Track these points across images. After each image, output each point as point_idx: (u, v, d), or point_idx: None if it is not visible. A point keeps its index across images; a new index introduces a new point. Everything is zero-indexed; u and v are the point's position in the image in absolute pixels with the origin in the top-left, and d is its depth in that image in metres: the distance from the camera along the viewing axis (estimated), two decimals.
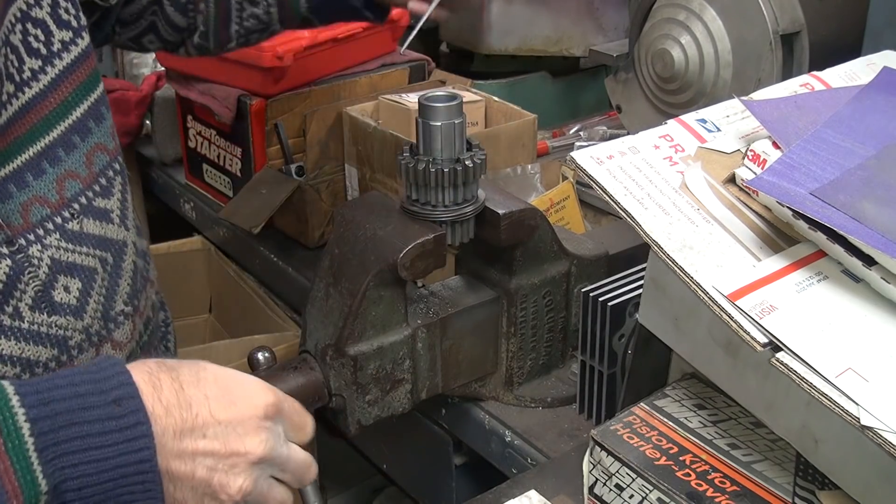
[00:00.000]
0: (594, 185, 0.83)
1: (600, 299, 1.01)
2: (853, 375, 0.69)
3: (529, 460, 1.08)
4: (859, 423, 0.66)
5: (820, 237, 0.77)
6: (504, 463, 1.12)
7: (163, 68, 1.80)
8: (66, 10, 0.87)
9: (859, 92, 0.95)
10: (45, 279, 0.83)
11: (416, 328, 1.04)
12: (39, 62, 0.84)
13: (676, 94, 1.44)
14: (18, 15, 0.83)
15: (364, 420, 1.03)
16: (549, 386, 1.15)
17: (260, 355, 1.04)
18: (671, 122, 0.91)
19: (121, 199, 0.92)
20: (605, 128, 1.78)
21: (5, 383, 0.64)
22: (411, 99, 1.46)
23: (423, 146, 1.00)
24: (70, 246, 0.85)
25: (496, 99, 1.49)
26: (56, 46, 0.85)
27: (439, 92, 1.01)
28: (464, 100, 1.02)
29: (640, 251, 1.07)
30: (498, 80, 1.81)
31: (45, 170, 0.83)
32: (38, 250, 0.81)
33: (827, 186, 0.79)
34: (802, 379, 0.69)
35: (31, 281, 0.82)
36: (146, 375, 0.67)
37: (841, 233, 0.74)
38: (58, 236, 0.83)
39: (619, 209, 0.81)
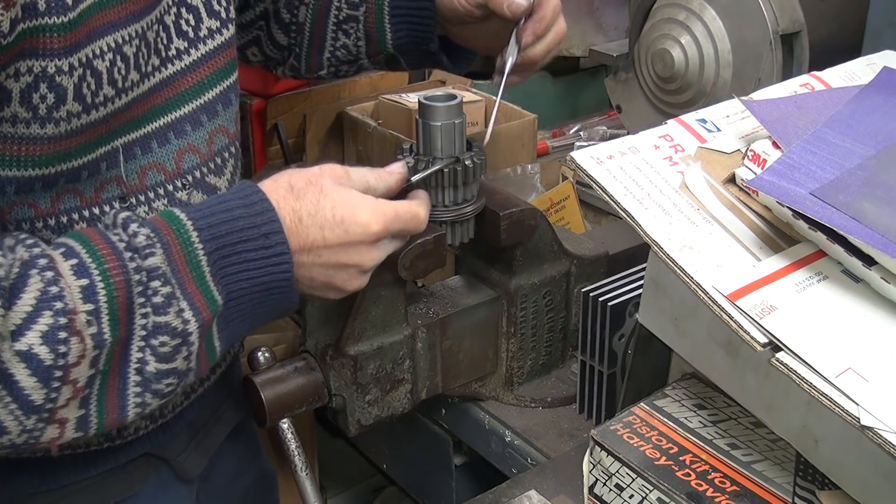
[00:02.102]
0: (594, 185, 0.83)
1: (600, 299, 1.01)
2: (853, 375, 0.69)
3: (529, 460, 1.08)
4: (859, 423, 0.66)
5: (820, 237, 0.77)
6: (504, 463, 1.12)
7: None
8: (219, 2, 0.94)
9: (859, 92, 0.95)
10: None
11: (416, 328, 1.04)
12: (185, 44, 0.90)
13: (676, 94, 1.44)
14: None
15: (364, 420, 1.03)
16: (549, 386, 1.15)
17: (260, 355, 1.04)
18: (671, 122, 0.91)
19: (230, 180, 0.97)
20: (605, 128, 1.79)
21: (184, 218, 0.79)
22: (411, 99, 1.46)
23: (423, 146, 1.00)
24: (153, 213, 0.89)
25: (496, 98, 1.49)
26: (203, 32, 0.92)
27: (439, 92, 1.02)
28: (464, 100, 1.02)
29: (640, 251, 1.07)
30: None
31: (170, 140, 0.89)
32: (145, 211, 0.87)
33: (827, 186, 0.79)
34: (802, 379, 0.69)
35: None
36: (287, 211, 0.82)
37: (841, 233, 0.74)
38: (166, 202, 0.89)
39: (619, 209, 0.81)
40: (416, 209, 0.90)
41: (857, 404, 0.67)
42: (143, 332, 0.76)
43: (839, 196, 0.78)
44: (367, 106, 1.50)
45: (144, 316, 0.75)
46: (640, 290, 0.91)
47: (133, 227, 0.77)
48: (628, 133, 1.06)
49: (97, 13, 0.78)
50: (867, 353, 0.71)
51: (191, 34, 0.91)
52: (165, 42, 0.89)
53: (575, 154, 0.84)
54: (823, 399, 0.68)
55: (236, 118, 0.99)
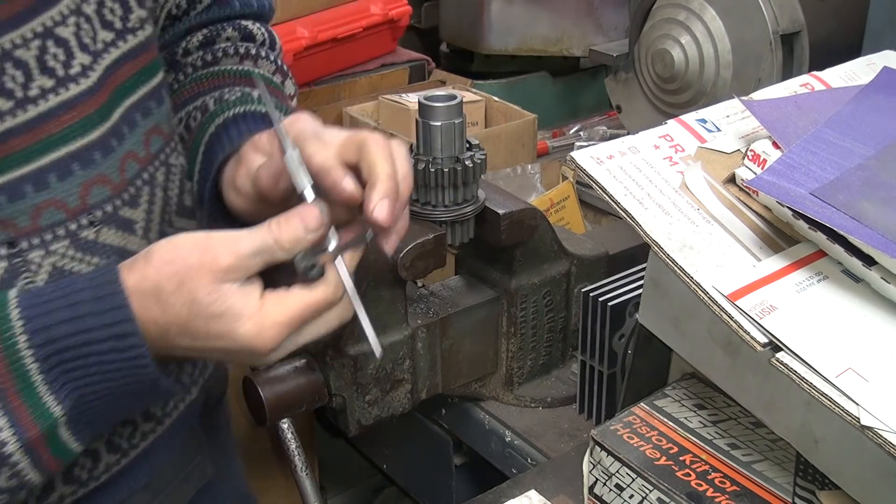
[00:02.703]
0: (594, 185, 0.83)
1: (600, 299, 1.01)
2: (853, 375, 0.69)
3: (529, 460, 1.08)
4: (859, 423, 0.66)
5: (820, 237, 0.77)
6: (504, 463, 1.12)
7: None
8: (112, 11, 0.82)
9: (859, 92, 0.95)
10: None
11: (416, 328, 1.04)
12: (90, 58, 0.79)
13: (676, 94, 1.44)
14: (66, 12, 0.79)
15: (364, 420, 1.03)
16: (549, 386, 1.15)
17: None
18: (671, 122, 0.91)
19: (147, 211, 0.86)
20: (605, 128, 1.79)
21: (13, 317, 0.67)
22: (411, 99, 1.46)
23: (423, 146, 1.00)
24: (79, 255, 0.80)
25: (496, 99, 1.50)
26: (99, 46, 0.81)
27: (439, 92, 1.02)
28: (464, 100, 1.02)
29: (640, 251, 1.07)
30: (498, 80, 1.81)
31: (74, 172, 0.78)
32: (39, 256, 0.77)
33: (827, 186, 0.79)
34: (802, 379, 0.69)
35: (26, 287, 0.77)
36: (151, 326, 0.70)
37: (841, 233, 0.74)
38: (67, 243, 0.79)
39: (619, 209, 0.81)
40: (322, 296, 0.71)
41: (857, 404, 0.67)
42: None
43: (839, 196, 0.78)
44: (367, 106, 1.50)
45: None
46: (640, 290, 0.91)
47: None
48: (628, 133, 1.06)
49: None
50: (867, 353, 0.71)
51: (91, 47, 0.79)
52: (64, 58, 0.76)
53: (575, 154, 0.84)
54: (823, 399, 0.68)
55: (147, 140, 0.85)
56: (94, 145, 0.79)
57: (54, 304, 0.68)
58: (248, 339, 0.70)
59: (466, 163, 0.99)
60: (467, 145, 1.01)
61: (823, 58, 1.16)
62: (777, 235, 0.81)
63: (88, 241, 0.79)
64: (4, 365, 0.66)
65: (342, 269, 0.73)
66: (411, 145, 1.02)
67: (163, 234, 0.87)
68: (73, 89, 0.77)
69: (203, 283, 0.69)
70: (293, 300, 0.71)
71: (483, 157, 1.01)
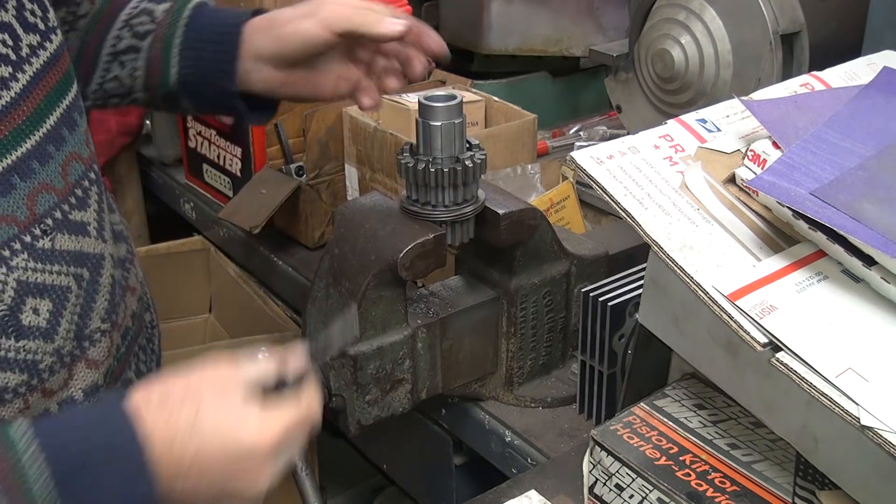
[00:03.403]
0: (594, 185, 0.83)
1: (600, 299, 1.01)
2: (853, 375, 0.69)
3: (529, 460, 1.08)
4: (859, 423, 0.66)
5: (820, 237, 0.77)
6: (504, 463, 1.12)
7: None
8: (32, 13, 0.81)
9: (859, 92, 0.95)
10: (10, 303, 0.77)
11: (416, 328, 1.04)
12: (10, 68, 0.78)
13: (676, 94, 1.44)
14: None
15: (364, 420, 1.03)
16: (549, 386, 1.15)
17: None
18: (671, 122, 0.91)
19: (97, 210, 0.86)
20: (605, 128, 1.78)
21: (21, 448, 0.66)
22: (411, 99, 1.46)
23: (423, 146, 1.00)
24: (39, 265, 0.79)
25: (496, 99, 1.49)
26: (24, 51, 0.80)
27: (439, 92, 1.01)
28: (464, 100, 1.02)
29: (640, 251, 1.07)
30: (498, 80, 1.81)
31: (16, 185, 0.77)
32: (2, 274, 0.76)
33: (827, 186, 0.79)
34: (802, 379, 0.69)
35: None
36: (157, 436, 0.70)
37: (841, 233, 0.74)
38: (25, 256, 0.78)
39: (619, 209, 0.81)
40: (307, 406, 0.77)
41: (857, 404, 0.67)
42: None
43: (839, 196, 0.78)
44: None
45: None
46: (640, 290, 0.91)
47: None
48: (628, 133, 1.06)
49: None
50: (867, 353, 0.71)
51: (12, 56, 0.78)
52: None
53: (575, 154, 0.84)
54: (823, 399, 0.68)
55: (87, 139, 0.87)
56: (30, 154, 0.78)
57: (63, 429, 0.69)
58: (251, 443, 0.72)
59: (466, 163, 0.99)
60: (467, 145, 1.01)
61: (823, 58, 1.16)
62: (777, 235, 0.81)
63: (45, 250, 0.79)
64: (17, 488, 0.65)
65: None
66: (411, 145, 1.02)
67: (110, 232, 0.89)
68: None
69: (209, 393, 0.72)
70: (287, 409, 0.75)
71: (483, 157, 1.01)
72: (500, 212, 1.04)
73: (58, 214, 0.81)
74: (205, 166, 1.77)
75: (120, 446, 0.68)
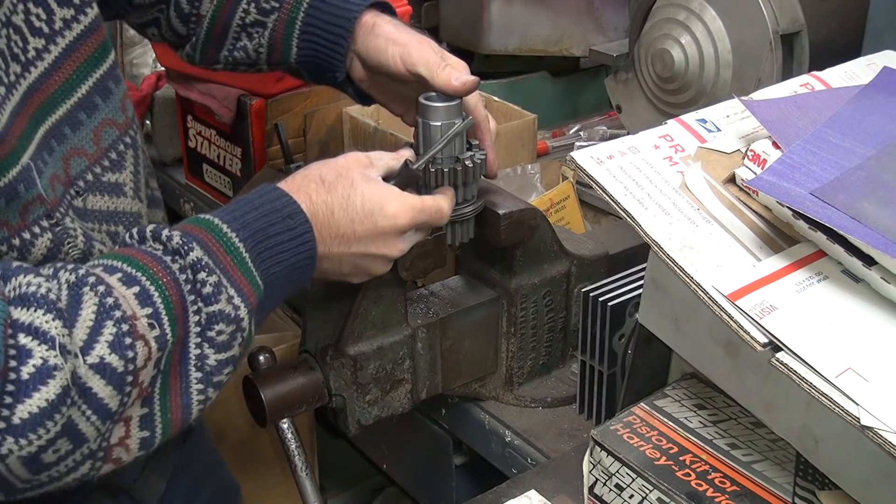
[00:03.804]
0: (594, 185, 0.83)
1: (600, 299, 1.01)
2: (853, 375, 0.69)
3: (529, 460, 1.08)
4: (859, 423, 0.66)
5: (820, 237, 0.77)
6: (504, 463, 1.12)
7: (163, 68, 1.80)
8: None
9: (859, 92, 0.95)
10: (83, 248, 0.86)
11: (416, 328, 1.04)
12: (43, 41, 0.85)
13: (676, 94, 1.44)
14: None
15: (364, 420, 1.03)
16: (549, 386, 1.15)
17: (260, 356, 1.04)
18: (671, 122, 0.91)
19: (133, 172, 0.94)
20: (605, 128, 1.78)
21: (210, 217, 0.81)
22: None
23: (422, 146, 1.00)
24: (75, 224, 0.86)
25: (496, 99, 1.50)
26: (58, 25, 0.86)
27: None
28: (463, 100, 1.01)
29: (640, 251, 1.07)
30: (498, 80, 1.81)
31: (54, 148, 0.85)
32: (70, 221, 0.85)
33: (827, 186, 0.79)
34: (802, 379, 0.69)
35: (70, 251, 0.85)
36: (307, 203, 0.86)
37: (841, 233, 0.74)
38: (69, 214, 0.86)
39: (619, 209, 0.81)
40: (440, 203, 0.94)
41: (857, 404, 0.67)
42: (198, 329, 0.77)
43: (839, 196, 0.78)
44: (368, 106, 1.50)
45: (197, 312, 0.77)
46: (640, 290, 0.91)
47: (164, 233, 0.78)
48: (628, 133, 1.06)
49: None
50: (867, 353, 0.71)
51: (45, 29, 0.86)
52: (21, 45, 0.83)
53: (575, 154, 0.84)
54: (823, 399, 0.68)
55: (124, 105, 0.95)
56: (62, 121, 0.86)
57: (235, 204, 0.84)
58: (392, 214, 0.89)
59: (466, 163, 0.99)
60: (467, 145, 1.01)
61: (823, 58, 1.16)
62: (777, 235, 0.81)
63: (78, 208, 0.87)
64: (220, 248, 0.79)
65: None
66: (412, 145, 1.02)
67: (147, 195, 0.99)
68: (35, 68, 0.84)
69: (357, 173, 0.89)
70: (423, 196, 0.93)
71: (483, 157, 1.01)
72: (500, 212, 1.04)
73: (89, 176, 0.89)
74: (205, 166, 1.77)
75: (296, 223, 0.84)
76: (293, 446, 1.26)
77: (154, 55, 1.97)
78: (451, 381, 1.10)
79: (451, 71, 0.98)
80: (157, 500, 1.01)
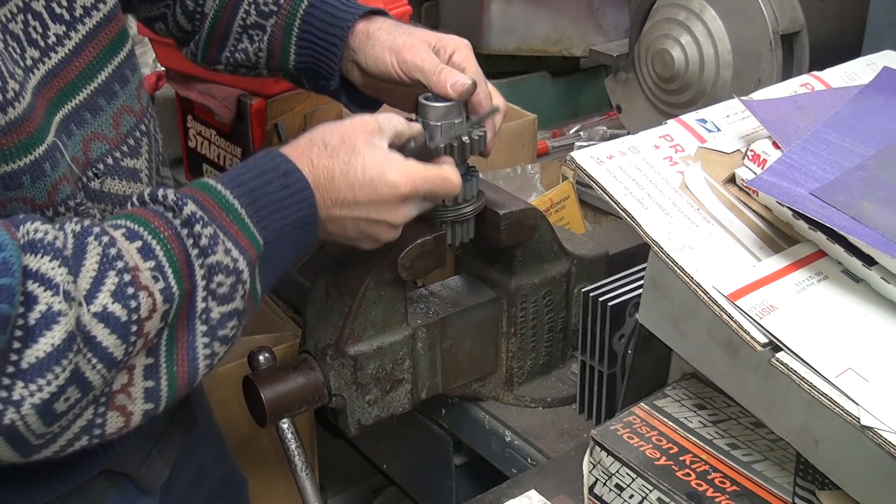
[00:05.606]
0: (594, 185, 0.83)
1: (600, 299, 1.01)
2: (853, 375, 0.69)
3: (529, 460, 1.08)
4: (859, 423, 0.66)
5: (820, 237, 0.77)
6: (504, 463, 1.12)
7: (163, 68, 1.80)
8: None
9: (859, 92, 0.95)
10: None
11: (416, 328, 1.04)
12: (63, 27, 0.87)
13: (676, 94, 1.44)
14: None
15: (364, 420, 1.03)
16: (549, 386, 1.15)
17: (260, 356, 1.04)
18: (671, 122, 0.91)
19: (148, 160, 0.96)
20: (605, 128, 1.79)
21: (205, 180, 0.82)
22: None
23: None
24: (90, 204, 0.88)
25: None
26: (78, 12, 0.88)
27: None
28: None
29: (640, 251, 1.07)
30: (498, 80, 1.81)
31: (73, 132, 0.87)
32: (90, 207, 0.87)
33: (827, 186, 0.79)
34: (802, 379, 0.69)
35: None
36: (309, 167, 0.86)
37: (841, 233, 0.74)
38: (83, 195, 0.88)
39: (619, 209, 0.81)
40: (445, 172, 0.92)
41: (857, 404, 0.67)
42: (204, 282, 0.78)
43: (839, 196, 0.78)
44: None
45: (201, 266, 0.78)
46: (640, 290, 0.91)
47: (160, 192, 0.79)
48: (628, 133, 1.06)
49: None
50: (867, 353, 0.71)
51: (66, 16, 0.87)
52: (41, 30, 0.85)
53: (575, 154, 0.84)
54: (823, 399, 0.68)
55: (140, 92, 0.98)
56: (83, 106, 0.88)
57: (231, 170, 0.85)
58: (393, 182, 0.87)
59: (464, 139, 0.97)
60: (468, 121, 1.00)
61: (823, 58, 1.16)
62: (777, 235, 0.81)
63: (94, 190, 0.89)
64: (214, 205, 0.80)
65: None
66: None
67: (160, 183, 1.00)
68: (56, 54, 0.86)
69: (361, 139, 0.88)
70: (426, 165, 0.91)
71: (482, 133, 0.99)
72: (500, 212, 1.04)
73: (109, 160, 0.91)
74: (205, 166, 1.77)
75: (292, 180, 0.84)
76: (293, 446, 1.26)
77: (154, 55, 1.97)
78: (451, 381, 1.10)
79: (448, 76, 0.97)
80: (160, 486, 1.02)
